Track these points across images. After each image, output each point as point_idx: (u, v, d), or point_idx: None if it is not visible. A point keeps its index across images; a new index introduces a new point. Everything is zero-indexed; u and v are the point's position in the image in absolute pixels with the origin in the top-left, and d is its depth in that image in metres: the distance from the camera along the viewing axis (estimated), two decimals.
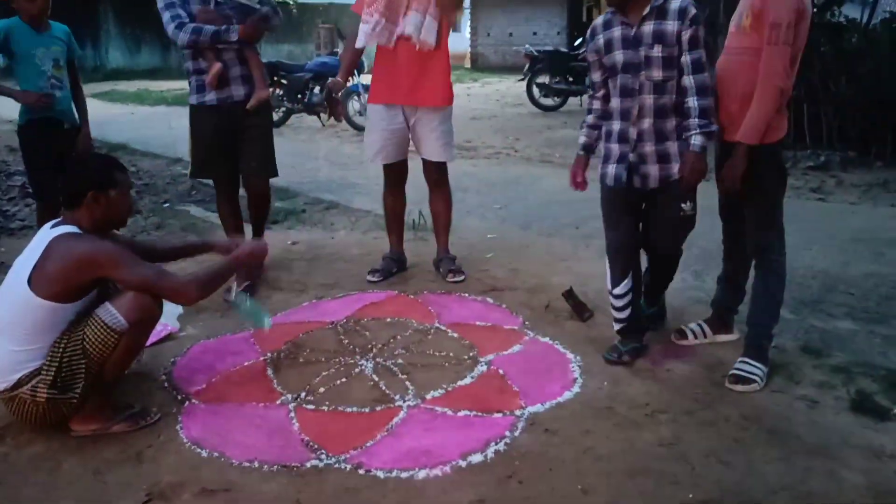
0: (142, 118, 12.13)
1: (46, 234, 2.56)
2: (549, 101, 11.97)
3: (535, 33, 20.82)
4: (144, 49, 20.84)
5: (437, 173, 4.03)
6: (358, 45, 3.81)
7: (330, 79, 4.03)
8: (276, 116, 10.51)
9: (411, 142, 3.98)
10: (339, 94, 3.93)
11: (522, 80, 12.11)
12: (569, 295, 3.60)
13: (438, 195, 4.11)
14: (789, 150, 7.39)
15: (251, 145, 3.90)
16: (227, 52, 3.75)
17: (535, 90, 11.88)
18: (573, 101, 12.12)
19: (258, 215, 4.17)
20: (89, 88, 4.23)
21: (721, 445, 2.48)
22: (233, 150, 3.91)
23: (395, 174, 4.06)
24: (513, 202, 5.97)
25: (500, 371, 3.00)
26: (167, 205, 5.97)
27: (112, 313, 2.47)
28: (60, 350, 2.43)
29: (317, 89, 10.19)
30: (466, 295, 3.84)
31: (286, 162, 7.68)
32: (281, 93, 10.40)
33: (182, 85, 16.02)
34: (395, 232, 4.22)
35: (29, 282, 2.42)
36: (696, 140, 2.81)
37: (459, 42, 23.13)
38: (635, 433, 2.56)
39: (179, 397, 2.83)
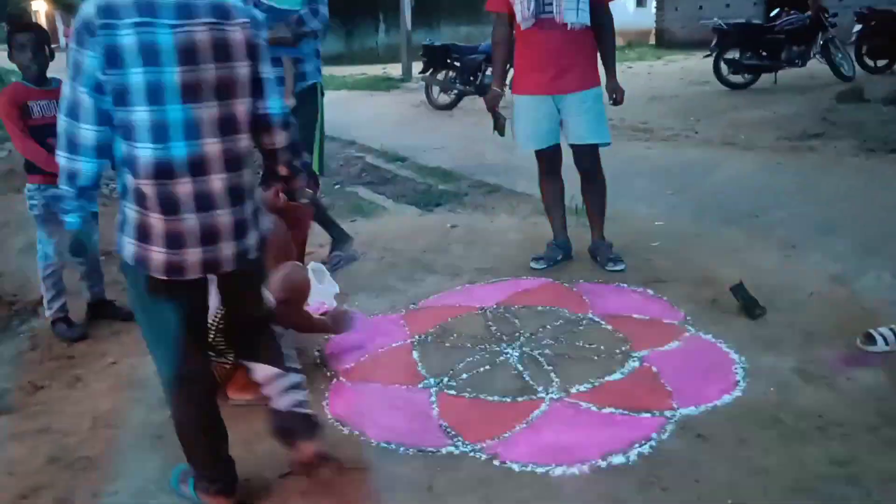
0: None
1: None
2: (738, 79, 11.11)
3: (727, 5, 19.42)
4: (330, 36, 21.82)
5: (588, 160, 3.84)
6: (524, 27, 3.70)
7: (489, 92, 3.95)
8: (448, 99, 10.67)
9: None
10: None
11: (709, 56, 11.34)
12: (738, 289, 3.31)
13: (590, 185, 3.93)
14: None
15: None
16: None
17: (723, 67, 11.09)
18: (766, 79, 11.20)
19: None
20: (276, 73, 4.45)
21: None
22: None
23: (549, 159, 3.94)
24: (686, 188, 5.61)
25: (654, 368, 2.81)
26: (338, 186, 6.22)
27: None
28: (219, 317, 2.57)
29: (489, 70, 10.17)
30: (625, 285, 3.65)
31: (453, 145, 7.82)
32: (453, 75, 10.51)
33: (364, 70, 16.70)
34: (557, 218, 4.09)
35: None
36: None
37: (644, 18, 22.18)
38: (801, 447, 2.30)
39: (329, 374, 2.92)
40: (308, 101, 4.00)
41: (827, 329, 3.08)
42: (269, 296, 2.57)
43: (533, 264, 3.97)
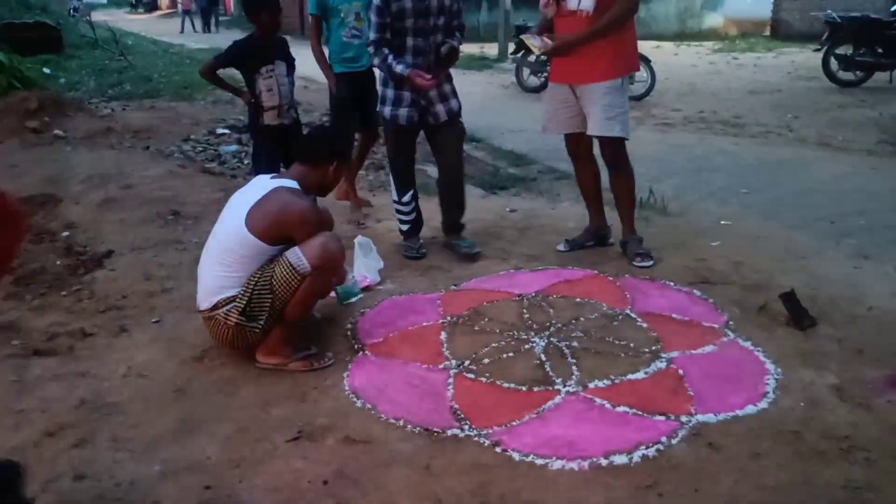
0: None
1: (266, 182, 2.83)
2: (848, 76, 10.46)
3: None
4: None
5: (609, 152, 3.79)
6: (548, 15, 3.73)
7: None
8: (538, 82, 10.51)
9: None
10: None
11: (818, 50, 10.73)
12: (789, 298, 3.16)
13: (615, 176, 3.86)
14: None
15: None
16: None
17: (833, 63, 10.47)
18: (880, 77, 10.50)
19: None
20: None
21: None
22: None
23: (572, 146, 3.94)
24: (765, 187, 5.36)
25: (680, 371, 2.73)
26: None
27: (299, 256, 2.68)
28: (254, 283, 2.69)
29: None
30: (672, 284, 3.54)
31: (532, 129, 7.67)
32: (545, 57, 10.36)
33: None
34: (590, 204, 4.07)
35: (246, 218, 2.70)
36: None
37: (761, 7, 21.08)
38: (818, 467, 2.19)
39: (356, 347, 2.98)
40: None
41: (879, 348, 2.91)
42: (306, 263, 2.67)
43: (558, 247, 4.02)
